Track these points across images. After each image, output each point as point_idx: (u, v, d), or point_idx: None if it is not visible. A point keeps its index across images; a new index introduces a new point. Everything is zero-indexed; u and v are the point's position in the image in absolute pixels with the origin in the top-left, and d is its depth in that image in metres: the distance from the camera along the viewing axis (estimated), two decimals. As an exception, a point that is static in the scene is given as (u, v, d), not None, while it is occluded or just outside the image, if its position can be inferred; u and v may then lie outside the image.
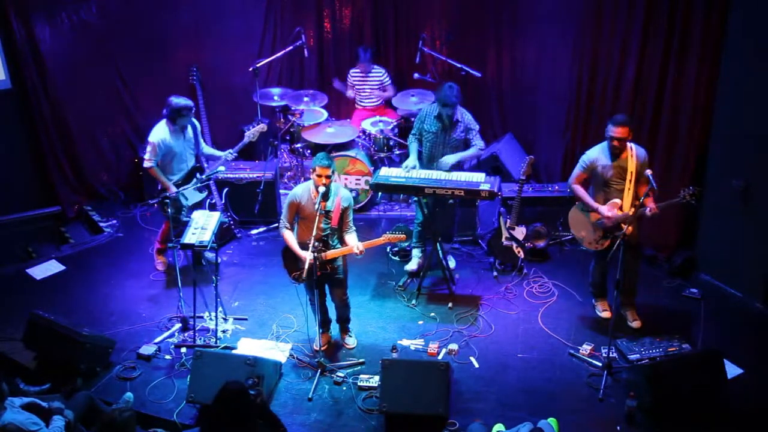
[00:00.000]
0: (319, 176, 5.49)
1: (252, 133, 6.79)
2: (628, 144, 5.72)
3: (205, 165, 7.90)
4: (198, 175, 6.71)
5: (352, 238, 5.71)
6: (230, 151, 6.82)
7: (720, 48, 6.39)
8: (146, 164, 6.53)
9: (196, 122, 6.78)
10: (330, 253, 5.63)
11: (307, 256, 5.43)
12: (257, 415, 4.66)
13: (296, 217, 5.74)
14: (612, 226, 5.75)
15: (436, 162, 6.57)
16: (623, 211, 5.66)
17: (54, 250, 7.64)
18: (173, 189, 6.55)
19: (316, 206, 5.47)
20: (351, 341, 6.16)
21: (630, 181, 5.64)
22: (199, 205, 6.88)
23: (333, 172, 5.57)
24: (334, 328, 6.22)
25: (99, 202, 8.43)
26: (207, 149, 6.92)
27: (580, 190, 5.93)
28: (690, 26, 6.54)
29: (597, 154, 5.82)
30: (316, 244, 5.49)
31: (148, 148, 6.51)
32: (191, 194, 6.73)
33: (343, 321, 6.14)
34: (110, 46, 8.28)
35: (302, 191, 5.67)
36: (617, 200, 5.70)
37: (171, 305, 6.58)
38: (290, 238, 5.70)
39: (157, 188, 6.73)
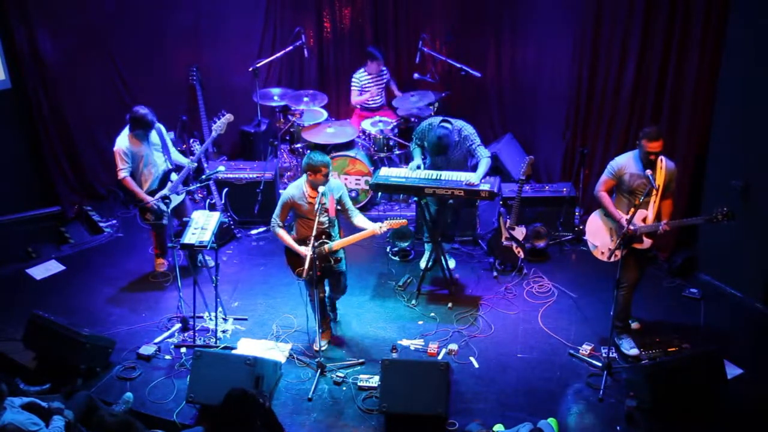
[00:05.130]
0: (325, 175, 5.56)
1: (219, 126, 6.68)
2: (659, 156, 5.58)
3: (205, 165, 7.93)
4: (172, 178, 6.66)
5: (363, 220, 5.80)
6: (191, 159, 6.75)
7: (720, 48, 6.39)
8: (120, 175, 6.48)
9: (162, 127, 6.71)
10: (345, 241, 5.71)
11: (307, 251, 5.45)
12: (262, 421, 4.66)
13: (290, 216, 5.80)
14: (632, 235, 5.67)
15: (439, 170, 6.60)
16: (647, 222, 5.61)
17: (54, 250, 7.64)
18: (149, 199, 6.54)
19: (317, 206, 5.49)
20: (324, 343, 6.05)
21: (655, 194, 5.58)
22: (183, 206, 6.85)
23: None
24: (333, 326, 6.24)
25: (99, 202, 8.43)
26: (176, 156, 6.82)
27: (606, 199, 5.77)
28: (690, 26, 6.55)
29: (626, 161, 5.68)
30: (322, 237, 5.57)
31: (116, 159, 6.48)
32: (172, 198, 6.68)
33: (334, 307, 6.26)
34: (110, 46, 8.28)
35: (295, 190, 5.72)
36: (644, 211, 5.63)
37: (171, 305, 6.58)
38: (285, 235, 5.75)
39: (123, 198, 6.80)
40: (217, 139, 8.54)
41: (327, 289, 6.06)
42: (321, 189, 5.52)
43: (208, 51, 8.83)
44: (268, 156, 8.72)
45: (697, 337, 6.04)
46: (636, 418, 5.24)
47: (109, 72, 8.38)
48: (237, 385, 5.14)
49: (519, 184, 6.69)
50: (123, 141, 6.50)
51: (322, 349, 5.97)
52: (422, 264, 7.02)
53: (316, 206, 5.49)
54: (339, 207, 5.79)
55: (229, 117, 6.74)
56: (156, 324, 6.43)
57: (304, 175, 5.67)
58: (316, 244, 5.50)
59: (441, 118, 6.54)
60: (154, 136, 6.61)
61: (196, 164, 6.74)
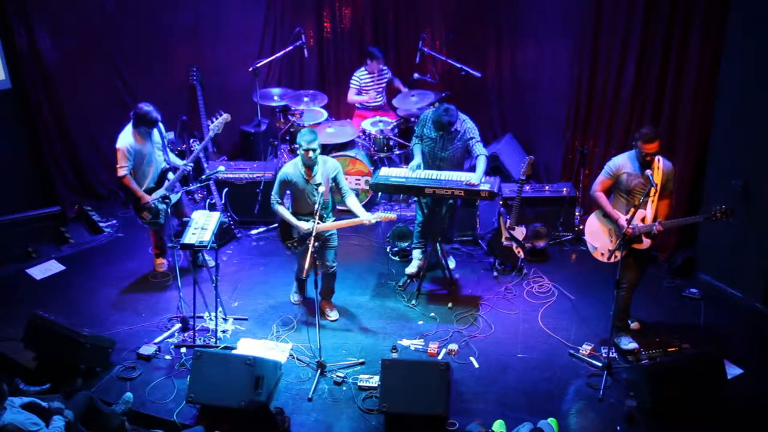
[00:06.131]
0: (313, 150, 5.79)
1: (216, 125, 6.66)
2: (656, 156, 5.57)
3: (205, 165, 7.93)
4: (168, 177, 6.66)
5: (356, 204, 6.00)
6: (187, 161, 6.72)
7: (720, 48, 6.39)
8: (120, 173, 6.46)
9: (162, 127, 6.69)
10: (334, 224, 5.93)
11: (307, 226, 5.80)
12: None
13: (288, 193, 6.05)
14: (632, 236, 5.65)
15: (436, 165, 6.58)
16: (646, 222, 5.61)
17: (54, 250, 7.63)
18: (147, 198, 6.55)
19: (316, 195, 5.67)
20: (333, 314, 6.37)
21: (654, 193, 5.57)
22: (179, 205, 6.88)
23: (318, 144, 5.84)
24: (311, 290, 6.38)
25: (99, 202, 8.43)
26: (171, 157, 6.82)
27: (603, 199, 5.78)
28: (690, 26, 6.55)
29: (623, 161, 5.68)
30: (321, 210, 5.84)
31: (118, 156, 6.45)
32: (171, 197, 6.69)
33: (328, 293, 6.36)
34: (110, 46, 8.28)
35: (291, 168, 5.97)
36: (643, 211, 5.63)
37: (171, 305, 6.58)
38: (284, 211, 6.01)
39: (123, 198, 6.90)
40: (216, 138, 8.61)
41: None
42: (320, 195, 5.75)
43: (208, 51, 8.83)
44: (268, 156, 8.72)
45: (697, 337, 6.04)
46: (636, 418, 5.24)
47: (109, 72, 8.39)
48: (237, 386, 5.18)
49: (519, 184, 6.68)
50: (127, 138, 6.48)
51: (300, 302, 6.53)
52: (408, 270, 7.01)
53: (315, 193, 5.76)
54: (333, 186, 5.99)
55: (226, 117, 6.73)
56: (156, 324, 6.42)
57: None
58: (314, 249, 5.65)
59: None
60: (156, 134, 6.61)
61: (192, 165, 6.72)
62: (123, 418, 5.26)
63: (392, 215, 5.93)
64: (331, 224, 5.97)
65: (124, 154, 6.44)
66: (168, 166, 6.71)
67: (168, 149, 6.80)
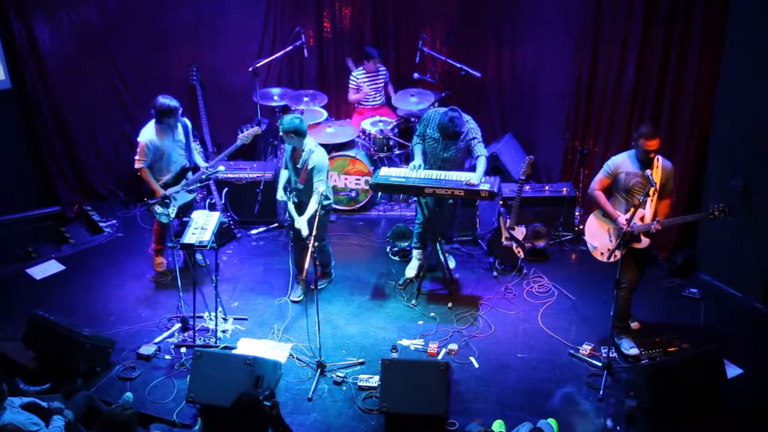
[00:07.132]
0: (286, 135, 6.14)
1: (245, 135, 6.69)
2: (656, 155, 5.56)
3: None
4: (188, 176, 6.69)
5: (311, 203, 6.12)
6: (208, 165, 6.72)
7: (720, 48, 6.40)
8: (137, 165, 6.56)
9: (188, 123, 6.74)
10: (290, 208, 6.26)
11: (281, 197, 6.32)
12: (272, 425, 4.68)
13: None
14: (631, 235, 5.64)
15: (436, 165, 6.57)
16: (645, 221, 5.60)
17: (54, 250, 7.64)
18: (162, 192, 6.58)
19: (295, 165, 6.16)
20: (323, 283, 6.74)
21: (654, 193, 5.53)
22: (189, 206, 6.87)
23: (294, 134, 6.10)
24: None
25: (99, 202, 8.43)
26: (196, 156, 6.84)
27: (601, 197, 5.78)
28: (690, 26, 6.55)
29: (622, 160, 5.68)
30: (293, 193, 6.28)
31: (138, 149, 6.53)
32: (181, 196, 6.70)
33: (324, 266, 6.70)
34: (110, 45, 8.28)
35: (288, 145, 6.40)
36: (642, 210, 5.61)
37: (171, 305, 6.58)
38: (281, 177, 6.46)
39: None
40: (216, 138, 8.61)
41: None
42: (299, 160, 6.16)
43: (208, 51, 8.82)
44: (268, 156, 8.72)
45: (697, 337, 6.04)
46: (636, 418, 5.24)
47: (109, 72, 8.38)
48: (237, 386, 5.16)
49: (519, 184, 6.69)
50: (149, 134, 6.51)
51: (299, 299, 6.60)
52: (408, 272, 6.99)
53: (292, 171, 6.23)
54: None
55: (256, 129, 6.74)
56: (156, 324, 6.43)
57: None
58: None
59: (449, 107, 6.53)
60: (180, 133, 6.63)
61: (213, 170, 6.71)
62: (130, 409, 5.24)
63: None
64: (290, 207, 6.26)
65: (143, 149, 6.50)
66: (189, 165, 6.74)
67: (194, 149, 6.82)
